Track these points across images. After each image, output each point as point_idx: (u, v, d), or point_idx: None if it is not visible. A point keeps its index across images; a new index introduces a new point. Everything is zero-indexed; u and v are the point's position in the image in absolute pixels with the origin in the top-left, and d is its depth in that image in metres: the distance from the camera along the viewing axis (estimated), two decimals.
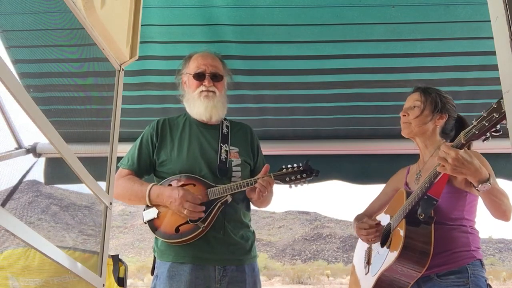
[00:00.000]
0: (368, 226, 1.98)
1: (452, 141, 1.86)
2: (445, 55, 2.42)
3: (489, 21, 0.99)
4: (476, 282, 1.71)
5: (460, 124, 2.02)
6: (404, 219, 1.76)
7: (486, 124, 1.42)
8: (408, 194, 1.84)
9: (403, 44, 2.37)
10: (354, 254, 2.30)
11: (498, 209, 1.67)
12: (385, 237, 1.95)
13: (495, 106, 1.40)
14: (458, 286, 1.71)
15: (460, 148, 1.54)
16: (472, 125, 1.48)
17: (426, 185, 1.67)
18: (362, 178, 2.99)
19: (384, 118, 2.82)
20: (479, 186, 1.57)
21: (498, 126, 1.42)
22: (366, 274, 2.02)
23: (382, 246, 1.94)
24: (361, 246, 2.21)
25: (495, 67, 0.97)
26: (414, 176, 2.03)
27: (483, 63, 2.42)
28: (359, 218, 2.16)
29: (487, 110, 1.43)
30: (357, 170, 2.97)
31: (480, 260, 1.78)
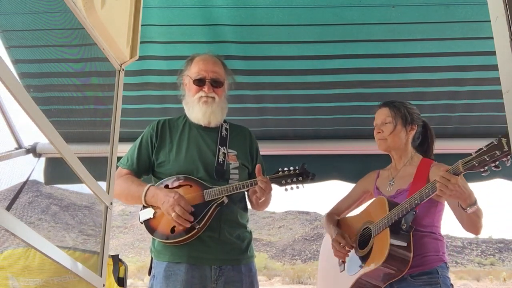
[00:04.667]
0: (345, 244, 2.07)
1: (423, 151, 2.17)
2: (445, 55, 2.42)
3: (489, 21, 1.00)
4: (444, 281, 1.94)
5: (424, 129, 2.20)
6: (388, 228, 1.88)
7: (487, 159, 1.55)
8: (390, 204, 1.95)
9: (403, 44, 2.37)
10: (323, 247, 2.36)
11: (474, 226, 1.88)
12: (363, 241, 2.03)
13: (496, 143, 1.52)
14: (430, 285, 1.91)
15: (457, 175, 1.69)
16: (472, 157, 1.60)
17: (416, 202, 1.82)
18: None
19: None
20: (468, 208, 1.75)
21: (497, 162, 1.54)
22: (341, 271, 2.11)
23: (361, 248, 2.02)
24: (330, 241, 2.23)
25: (495, 67, 0.97)
26: (386, 181, 2.18)
27: (483, 63, 2.42)
28: (330, 218, 2.27)
29: (488, 146, 1.55)
30: (357, 170, 2.95)
31: (446, 263, 2.01)
